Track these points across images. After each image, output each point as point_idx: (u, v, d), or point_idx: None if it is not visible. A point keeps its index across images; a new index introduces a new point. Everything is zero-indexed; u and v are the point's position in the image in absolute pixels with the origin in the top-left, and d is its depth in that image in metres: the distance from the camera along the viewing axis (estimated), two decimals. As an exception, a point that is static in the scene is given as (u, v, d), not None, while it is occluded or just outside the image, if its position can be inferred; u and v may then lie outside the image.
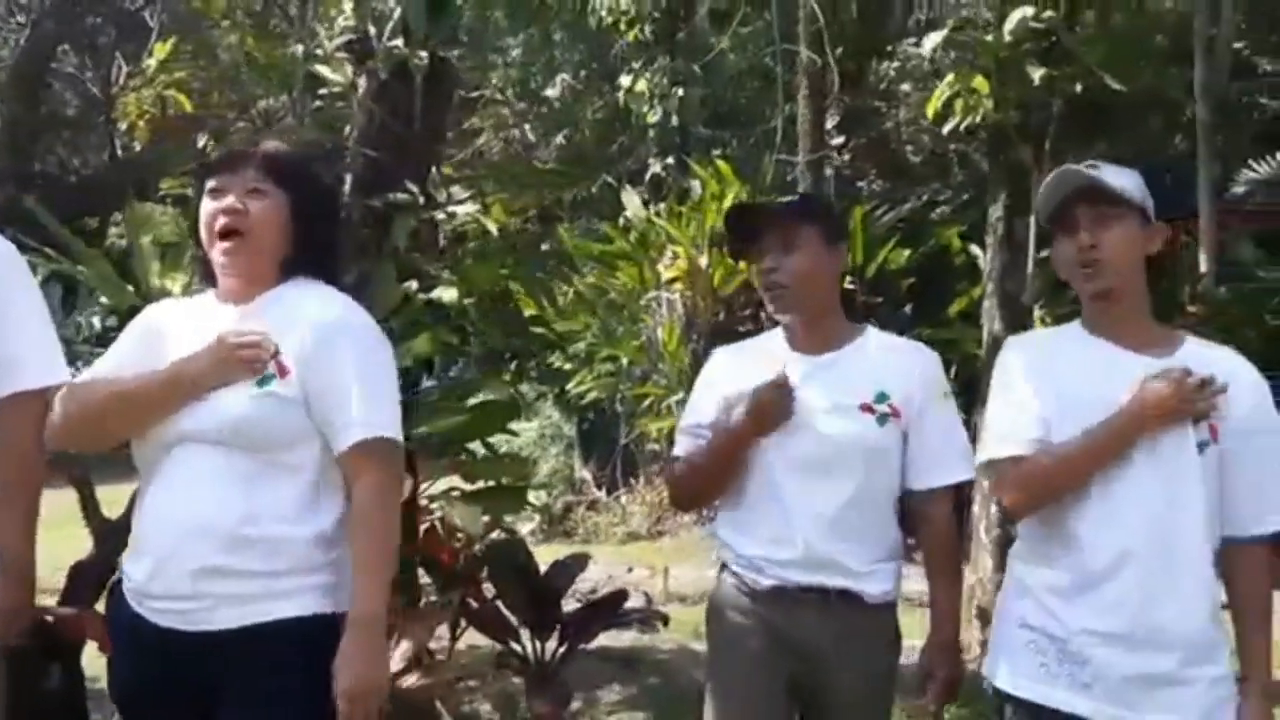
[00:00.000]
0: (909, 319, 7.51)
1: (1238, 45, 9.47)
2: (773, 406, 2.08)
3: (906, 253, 7.53)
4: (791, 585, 2.09)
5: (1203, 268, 7.74)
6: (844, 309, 2.29)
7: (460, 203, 3.20)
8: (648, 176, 9.34)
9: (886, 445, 2.11)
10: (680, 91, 9.11)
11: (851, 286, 7.45)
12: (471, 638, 3.59)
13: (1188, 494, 1.86)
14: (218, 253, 1.87)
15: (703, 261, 7.66)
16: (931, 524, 2.16)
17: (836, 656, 2.09)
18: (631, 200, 8.70)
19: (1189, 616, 1.86)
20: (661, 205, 8.53)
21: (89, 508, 3.08)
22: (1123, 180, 1.95)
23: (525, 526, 6.59)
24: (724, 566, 2.24)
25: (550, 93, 9.88)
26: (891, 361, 2.17)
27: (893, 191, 9.69)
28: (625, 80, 8.74)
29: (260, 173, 1.87)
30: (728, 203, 7.76)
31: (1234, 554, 1.93)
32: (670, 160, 9.14)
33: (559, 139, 10.09)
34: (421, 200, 3.19)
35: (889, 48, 11.31)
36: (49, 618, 3.10)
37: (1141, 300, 1.98)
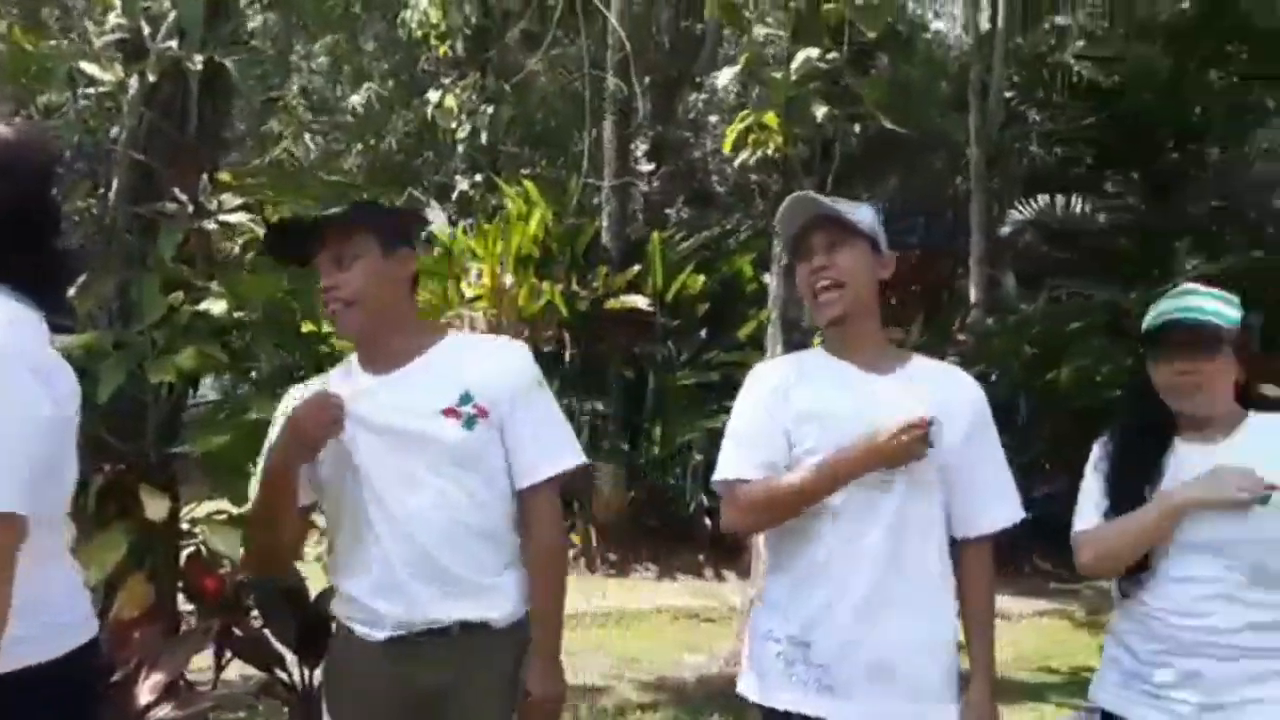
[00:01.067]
0: (703, 341, 7.75)
1: (1011, 96, 10.27)
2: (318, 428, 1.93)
3: (702, 278, 7.76)
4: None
5: (973, 300, 8.35)
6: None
7: (233, 211, 3.04)
8: (455, 193, 9.28)
9: (472, 445, 1.97)
10: (490, 110, 9.10)
11: (650, 309, 7.65)
12: (245, 668, 3.47)
13: (918, 510, 2.00)
14: None
15: (507, 280, 7.68)
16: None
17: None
18: (437, 216, 8.62)
19: (919, 621, 2.00)
20: (468, 222, 8.49)
21: None
22: (856, 211, 2.07)
23: (312, 552, 6.33)
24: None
25: (355, 100, 9.67)
26: (473, 361, 2.04)
27: (699, 219, 9.99)
28: (434, 95, 8.65)
29: None
30: (534, 223, 7.83)
31: (960, 556, 2.09)
32: (478, 177, 9.12)
33: (359, 148, 9.88)
34: (191, 209, 3.03)
35: (698, 80, 11.68)
36: None
37: (874, 322, 2.11)
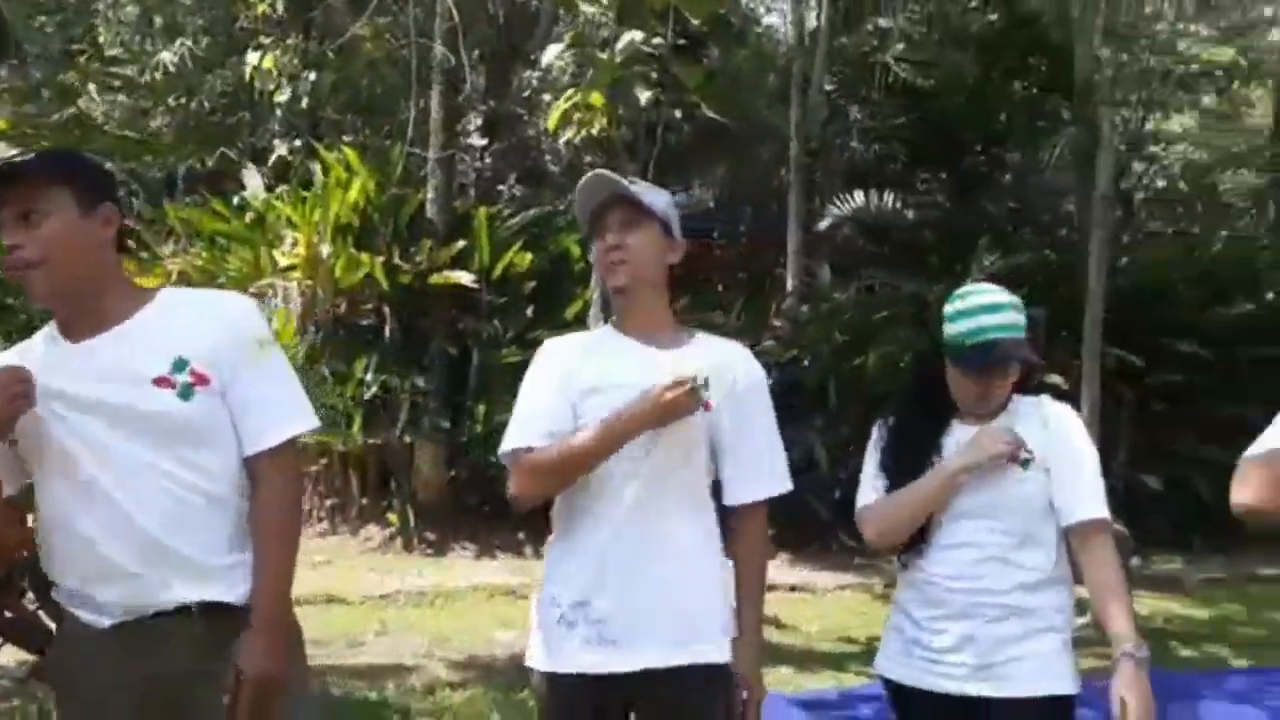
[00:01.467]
0: (529, 319, 7.73)
1: (832, 92, 10.63)
2: None
3: (530, 256, 7.73)
4: None
5: (789, 288, 8.63)
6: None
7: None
8: (272, 158, 8.90)
9: (192, 416, 1.83)
10: (312, 75, 8.76)
11: (476, 285, 7.57)
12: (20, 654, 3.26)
13: (680, 471, 2.09)
14: None
15: (324, 250, 7.44)
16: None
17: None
18: (252, 179, 8.26)
19: (688, 574, 2.08)
20: (284, 188, 8.17)
21: None
22: (650, 195, 2.15)
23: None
24: None
25: (166, 57, 9.12)
26: (187, 323, 1.90)
27: (532, 198, 9.92)
28: (253, 57, 8.26)
29: None
30: (354, 192, 7.61)
31: (732, 521, 2.18)
32: (298, 142, 8.77)
33: (169, 105, 9.33)
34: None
35: (532, 57, 11.58)
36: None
37: (661, 301, 2.19)
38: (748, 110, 10.55)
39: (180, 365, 1.83)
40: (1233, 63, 16.37)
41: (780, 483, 2.20)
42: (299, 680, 1.98)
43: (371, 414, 7.58)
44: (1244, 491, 1.91)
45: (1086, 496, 2.18)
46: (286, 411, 1.92)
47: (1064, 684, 2.17)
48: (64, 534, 1.85)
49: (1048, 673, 2.17)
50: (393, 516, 7.61)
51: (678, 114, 5.74)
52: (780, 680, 5.00)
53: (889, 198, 9.60)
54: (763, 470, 2.18)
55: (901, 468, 2.26)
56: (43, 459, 1.85)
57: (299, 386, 1.98)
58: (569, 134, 5.27)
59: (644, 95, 4.98)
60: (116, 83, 9.35)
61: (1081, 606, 2.23)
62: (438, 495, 7.64)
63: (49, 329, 1.93)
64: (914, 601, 2.26)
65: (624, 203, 2.12)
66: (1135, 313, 7.97)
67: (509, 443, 2.12)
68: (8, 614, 3.01)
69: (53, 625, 3.03)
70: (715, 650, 2.08)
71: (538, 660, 2.13)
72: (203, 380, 1.83)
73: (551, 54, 5.56)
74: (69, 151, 2.25)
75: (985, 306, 2.24)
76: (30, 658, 3.25)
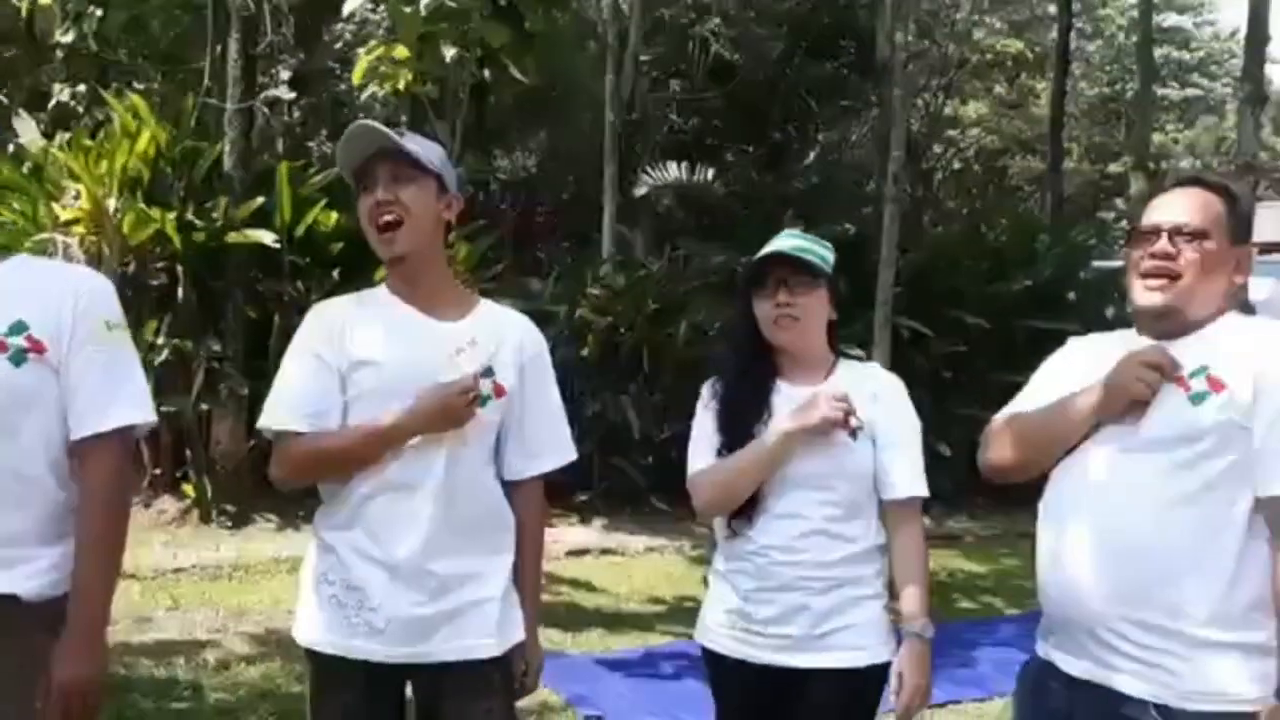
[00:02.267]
0: (336, 282, 7.46)
1: (647, 62, 10.74)
2: None
3: (336, 215, 7.45)
4: None
5: (604, 255, 8.68)
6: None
7: None
8: (51, 103, 8.22)
9: (17, 384, 1.74)
10: (100, 12, 8.13)
11: (277, 245, 7.24)
12: None
13: (469, 458, 2.01)
14: None
15: (111, 205, 6.94)
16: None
17: None
18: (26, 126, 7.61)
19: (475, 564, 2.02)
20: (66, 136, 7.56)
21: None
22: (423, 148, 2.03)
23: None
24: None
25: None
26: (35, 288, 1.81)
27: (343, 155, 9.54)
28: (27, -9, 7.59)
29: None
30: (143, 142, 7.13)
31: (512, 497, 2.12)
32: (81, 88, 8.13)
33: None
34: None
35: (344, 11, 11.14)
36: None
37: (440, 263, 2.10)
38: (567, 77, 10.52)
39: (18, 328, 1.71)
40: (1021, 54, 17.55)
41: (565, 453, 2.17)
42: None
43: (165, 380, 7.16)
44: (988, 452, 2.07)
45: (911, 473, 2.23)
46: (121, 399, 1.80)
47: (883, 652, 2.21)
48: None
49: (869, 640, 2.20)
50: (188, 488, 7.23)
51: (488, 75, 5.63)
52: (589, 642, 5.07)
53: (702, 170, 9.79)
54: (545, 444, 2.14)
55: (733, 431, 2.24)
56: None
57: (142, 377, 1.86)
58: (374, 88, 5.09)
59: (449, 52, 4.86)
60: None
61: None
62: (237, 465, 7.31)
63: None
64: (739, 573, 2.23)
65: (393, 156, 1.99)
66: (927, 286, 8.44)
67: (268, 421, 2.01)
68: None
69: None
70: (494, 649, 2.04)
71: (302, 634, 2.07)
72: (38, 348, 1.72)
73: (353, 4, 5.34)
74: None
75: (791, 234, 2.31)
76: None
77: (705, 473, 2.25)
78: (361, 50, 11.95)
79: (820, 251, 2.27)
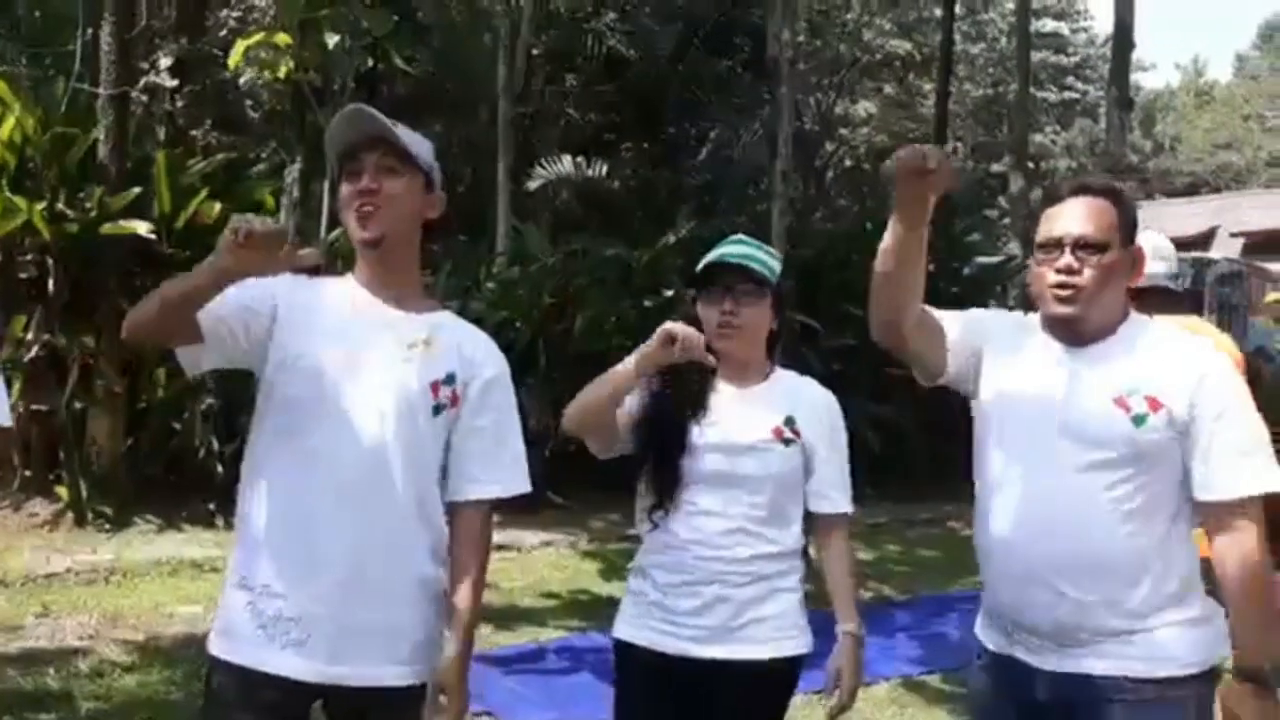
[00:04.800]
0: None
1: (538, 55, 10.68)
2: None
3: (219, 206, 7.22)
4: None
5: (498, 249, 8.62)
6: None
7: None
8: (-94, 84, 7.76)
9: None
10: (-41, -8, 7.71)
11: (153, 236, 6.98)
12: None
13: (390, 456, 1.93)
14: None
15: (-30, 194, 6.60)
16: None
17: None
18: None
19: (399, 583, 1.94)
20: (-77, 121, 7.14)
21: None
22: (414, 142, 1.98)
23: None
24: None
25: None
26: None
27: (230, 145, 9.24)
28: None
29: None
30: (8, 128, 6.80)
31: (458, 518, 2.02)
32: (-60, 70, 7.71)
33: None
34: None
35: (225, -5, 10.78)
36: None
37: (411, 259, 2.03)
38: (461, 68, 10.38)
39: None
40: (909, 55, 18.03)
41: (518, 483, 2.05)
42: None
43: (35, 378, 6.84)
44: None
45: (839, 489, 2.36)
46: None
47: (798, 644, 2.29)
48: None
49: (785, 632, 2.27)
50: (62, 490, 6.92)
51: (378, 65, 5.52)
52: (479, 639, 5.01)
53: (596, 164, 9.78)
54: (496, 471, 2.02)
55: (666, 425, 2.27)
56: None
57: None
58: (251, 74, 4.95)
59: (332, 40, 4.75)
60: None
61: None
62: (114, 465, 7.03)
63: None
64: (659, 567, 2.28)
65: (384, 144, 1.93)
66: (817, 282, 8.60)
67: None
68: None
69: None
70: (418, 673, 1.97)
71: (214, 644, 1.99)
72: None
73: (228, -14, 5.17)
74: None
75: (733, 241, 2.36)
76: None
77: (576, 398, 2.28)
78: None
79: (768, 261, 2.33)
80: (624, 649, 2.33)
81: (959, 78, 18.04)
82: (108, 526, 6.83)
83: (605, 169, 9.71)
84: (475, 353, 2.03)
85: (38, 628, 4.89)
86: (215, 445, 6.95)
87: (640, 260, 8.30)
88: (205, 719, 2.01)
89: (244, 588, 1.93)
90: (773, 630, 2.26)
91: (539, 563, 6.73)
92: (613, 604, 2.42)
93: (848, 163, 15.06)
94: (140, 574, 5.96)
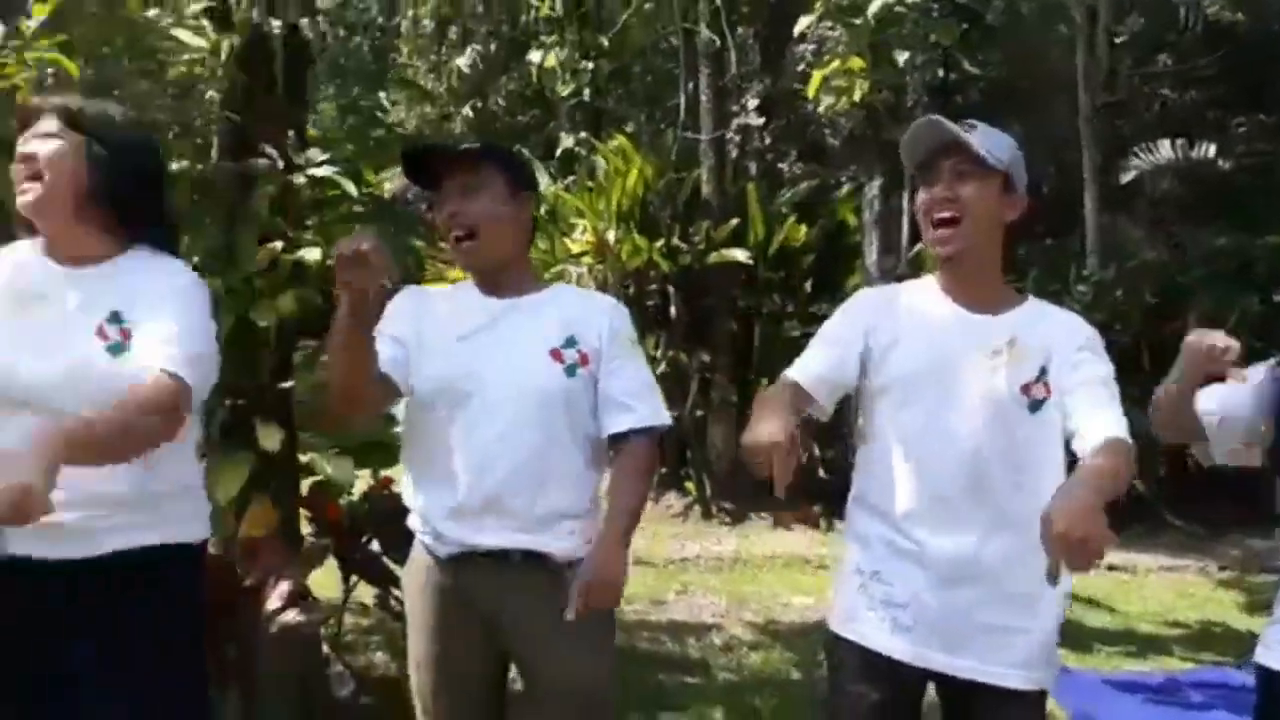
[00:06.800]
0: (809, 293, 7.72)
1: (1124, 39, 9.82)
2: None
3: (804, 229, 7.71)
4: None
5: (1089, 248, 8.08)
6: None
7: (319, 165, 3.18)
8: (559, 151, 9.41)
9: (574, 391, 2.05)
10: (590, 65, 9.17)
11: (750, 261, 7.66)
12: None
13: (1002, 437, 1.91)
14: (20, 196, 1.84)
15: (610, 236, 7.78)
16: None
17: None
18: (540, 175, 8.79)
19: (1013, 559, 1.89)
20: (571, 180, 8.61)
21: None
22: (991, 143, 1.94)
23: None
24: None
25: (461, 62, 9.85)
26: (579, 309, 2.13)
27: (814, 173, 9.87)
28: (535, 56, 8.77)
29: (56, 121, 1.85)
30: (632, 179, 7.91)
31: None
32: (582, 134, 9.22)
33: (465, 111, 10.08)
34: (281, 164, 3.18)
35: (794, 32, 11.49)
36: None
37: (993, 264, 2.00)
38: (1036, 64, 9.96)
39: (570, 342, 2.06)
40: None
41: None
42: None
43: (663, 389, 7.86)
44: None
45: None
46: (649, 402, 2.15)
47: None
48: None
49: None
50: (690, 486, 7.88)
51: (951, 75, 5.50)
52: (1097, 661, 4.72)
53: (1202, 146, 8.72)
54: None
55: None
56: (446, 392, 2.04)
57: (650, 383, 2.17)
58: (829, 102, 5.20)
59: (902, 57, 4.83)
60: (418, 92, 10.20)
61: None
62: (731, 467, 7.82)
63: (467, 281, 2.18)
64: None
65: (957, 150, 1.91)
66: None
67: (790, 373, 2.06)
68: (357, 556, 3.43)
69: (394, 567, 3.41)
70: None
71: (833, 620, 2.10)
72: (584, 361, 2.06)
73: (804, 23, 5.50)
74: (502, 146, 2.58)
75: None
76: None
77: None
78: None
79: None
80: (1268, 675, 2.01)
81: None
82: (728, 521, 7.63)
83: (1213, 150, 8.64)
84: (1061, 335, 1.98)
85: (677, 604, 5.57)
86: (818, 451, 7.41)
87: (1263, 249, 7.27)
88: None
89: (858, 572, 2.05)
90: None
91: (1159, 588, 6.17)
92: (1253, 638, 2.12)
93: None
94: (758, 565, 6.53)
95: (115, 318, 1.79)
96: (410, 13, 10.14)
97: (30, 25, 3.85)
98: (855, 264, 7.52)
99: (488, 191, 2.05)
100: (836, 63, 5.05)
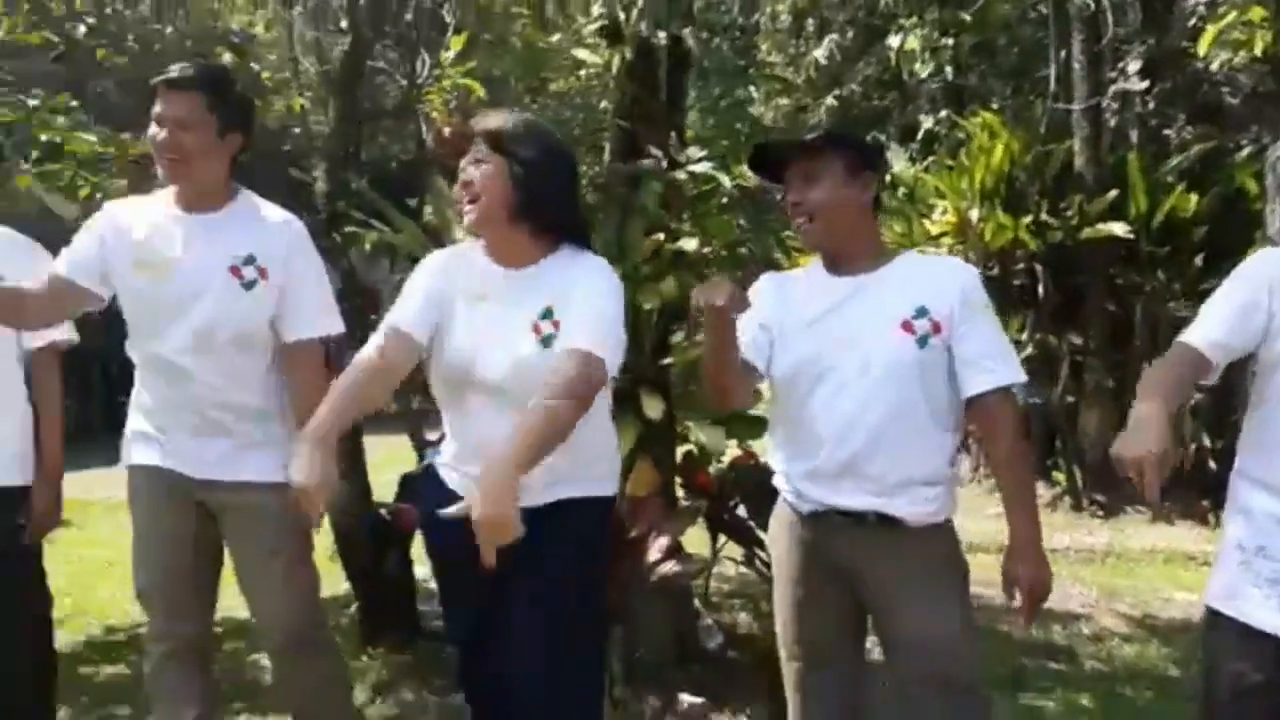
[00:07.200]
0: (1200, 269, 7.10)
1: None
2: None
3: (1195, 198, 7.09)
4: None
5: None
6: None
7: (697, 162, 3.53)
8: (920, 133, 9.29)
9: (928, 361, 2.14)
10: (950, 41, 8.94)
11: (1131, 236, 7.16)
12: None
13: None
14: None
15: (973, 215, 7.61)
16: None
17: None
18: (898, 157, 8.72)
19: None
20: (930, 160, 8.49)
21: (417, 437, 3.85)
22: None
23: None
24: None
25: (818, 53, 9.99)
26: (927, 277, 2.21)
27: (1206, 138, 9.02)
28: (894, 40, 8.71)
29: (484, 147, 2.19)
30: (998, 155, 7.66)
31: None
32: (943, 114, 9.04)
33: (829, 100, 10.18)
34: (665, 163, 3.56)
35: (1188, -18, 10.47)
36: (385, 513, 3.83)
37: None
38: None
39: (922, 312, 2.15)
40: None
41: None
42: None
43: (1030, 373, 7.57)
44: None
45: None
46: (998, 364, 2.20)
47: None
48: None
49: None
50: (1059, 475, 7.55)
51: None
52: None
53: None
54: None
55: None
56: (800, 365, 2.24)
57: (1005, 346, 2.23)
58: (1224, 58, 4.77)
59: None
60: (777, 86, 10.49)
61: None
62: (1104, 457, 7.37)
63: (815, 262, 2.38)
64: None
65: None
66: None
67: (1188, 337, 2.07)
68: (725, 518, 3.75)
69: (758, 531, 3.69)
70: None
71: (1212, 596, 2.10)
72: (936, 329, 2.16)
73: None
74: (844, 129, 2.81)
75: None
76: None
77: None
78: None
79: None
80: None
81: None
82: (1100, 514, 7.22)
83: None
84: None
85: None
86: (1207, 442, 6.84)
87: None
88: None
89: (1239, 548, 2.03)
90: None
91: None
92: None
93: None
94: (1134, 559, 6.18)
95: (547, 313, 2.15)
96: (768, 9, 10.44)
97: (448, 56, 4.56)
98: (1255, 235, 6.81)
99: (827, 177, 2.18)
100: (1234, 14, 4.63)
